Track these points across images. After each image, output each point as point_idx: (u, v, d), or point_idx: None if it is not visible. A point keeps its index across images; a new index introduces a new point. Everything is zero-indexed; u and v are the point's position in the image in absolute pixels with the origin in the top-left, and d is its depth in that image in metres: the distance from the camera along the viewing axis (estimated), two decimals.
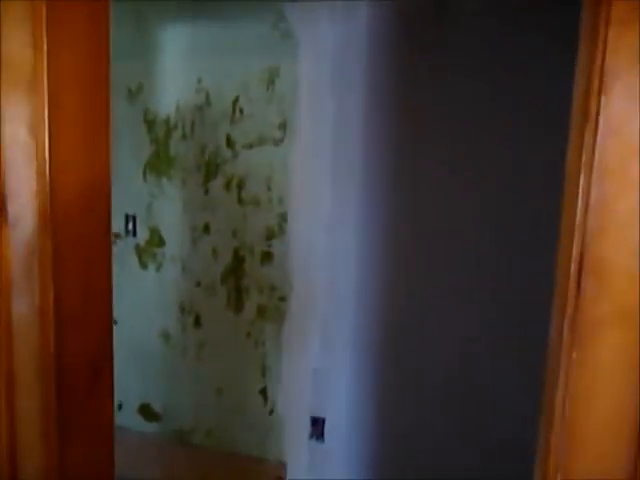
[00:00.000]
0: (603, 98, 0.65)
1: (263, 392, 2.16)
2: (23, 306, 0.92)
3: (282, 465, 2.15)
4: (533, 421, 1.66)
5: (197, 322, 2.22)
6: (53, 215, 0.91)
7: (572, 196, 0.71)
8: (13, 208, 0.90)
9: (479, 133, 1.84)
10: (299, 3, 1.97)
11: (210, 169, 2.14)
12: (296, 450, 2.13)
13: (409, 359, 1.98)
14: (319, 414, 2.09)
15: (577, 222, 0.67)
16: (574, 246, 0.67)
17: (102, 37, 0.97)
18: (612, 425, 0.64)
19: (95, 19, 0.97)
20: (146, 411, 2.32)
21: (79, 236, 0.97)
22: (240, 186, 2.11)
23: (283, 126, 2.03)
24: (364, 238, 1.96)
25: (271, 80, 2.03)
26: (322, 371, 2.07)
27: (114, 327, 1.08)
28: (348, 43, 1.93)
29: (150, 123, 2.19)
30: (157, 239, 2.23)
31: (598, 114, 0.65)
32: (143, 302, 2.26)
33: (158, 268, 2.24)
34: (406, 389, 1.99)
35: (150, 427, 2.32)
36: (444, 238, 1.90)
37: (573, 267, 0.66)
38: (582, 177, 0.67)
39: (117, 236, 2.24)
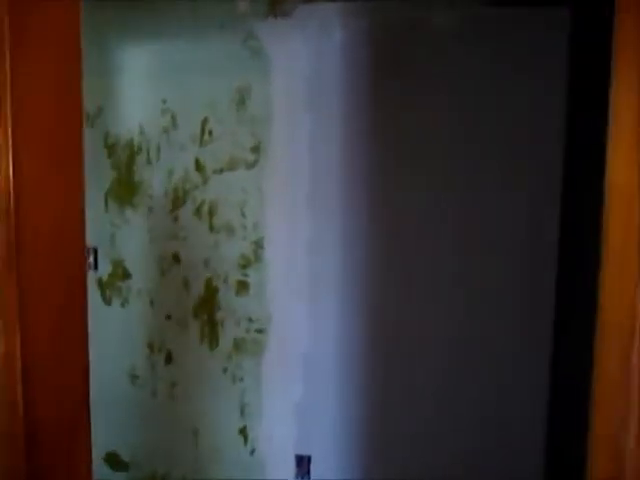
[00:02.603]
0: None
1: (243, 432, 2.01)
2: None
3: None
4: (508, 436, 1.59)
5: (168, 359, 2.06)
6: (19, 254, 0.77)
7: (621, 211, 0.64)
8: None
9: (455, 144, 1.80)
10: (270, 21, 1.89)
11: (178, 195, 2.01)
12: None
13: (396, 390, 1.88)
14: (304, 452, 1.97)
15: None
16: None
17: (73, 50, 0.85)
18: None
19: (64, 32, 0.85)
20: (113, 460, 2.13)
21: (49, 275, 0.83)
22: (211, 212, 1.98)
23: (256, 148, 1.93)
24: (348, 264, 1.87)
25: (241, 100, 1.93)
26: (305, 405, 1.95)
27: None
28: (322, 61, 1.86)
29: (111, 148, 2.04)
30: (121, 272, 2.07)
31: None
32: (107, 341, 2.07)
33: (123, 303, 2.07)
34: (396, 421, 1.89)
35: (118, 477, 2.12)
36: (432, 259, 1.83)
37: None
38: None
39: None
